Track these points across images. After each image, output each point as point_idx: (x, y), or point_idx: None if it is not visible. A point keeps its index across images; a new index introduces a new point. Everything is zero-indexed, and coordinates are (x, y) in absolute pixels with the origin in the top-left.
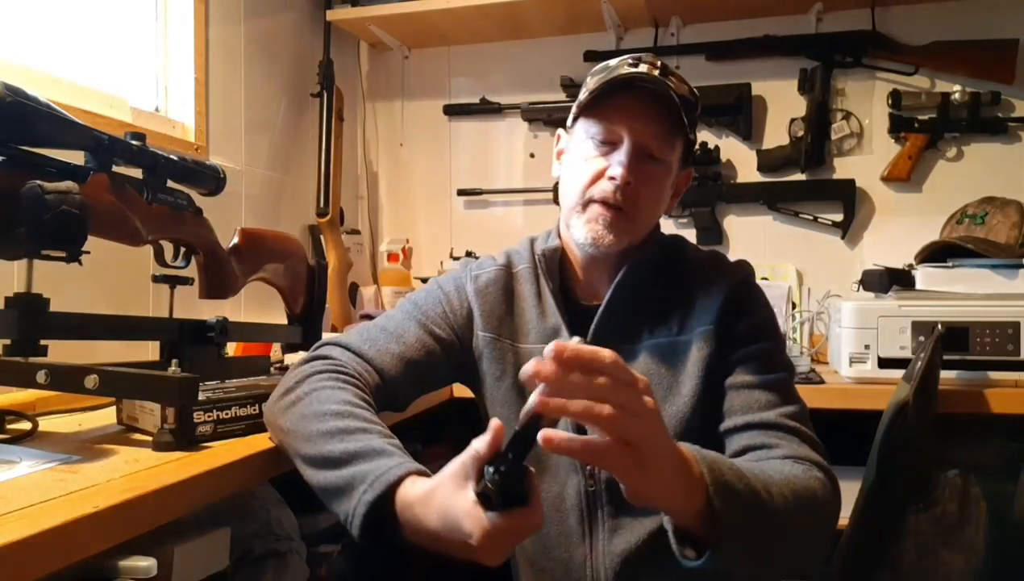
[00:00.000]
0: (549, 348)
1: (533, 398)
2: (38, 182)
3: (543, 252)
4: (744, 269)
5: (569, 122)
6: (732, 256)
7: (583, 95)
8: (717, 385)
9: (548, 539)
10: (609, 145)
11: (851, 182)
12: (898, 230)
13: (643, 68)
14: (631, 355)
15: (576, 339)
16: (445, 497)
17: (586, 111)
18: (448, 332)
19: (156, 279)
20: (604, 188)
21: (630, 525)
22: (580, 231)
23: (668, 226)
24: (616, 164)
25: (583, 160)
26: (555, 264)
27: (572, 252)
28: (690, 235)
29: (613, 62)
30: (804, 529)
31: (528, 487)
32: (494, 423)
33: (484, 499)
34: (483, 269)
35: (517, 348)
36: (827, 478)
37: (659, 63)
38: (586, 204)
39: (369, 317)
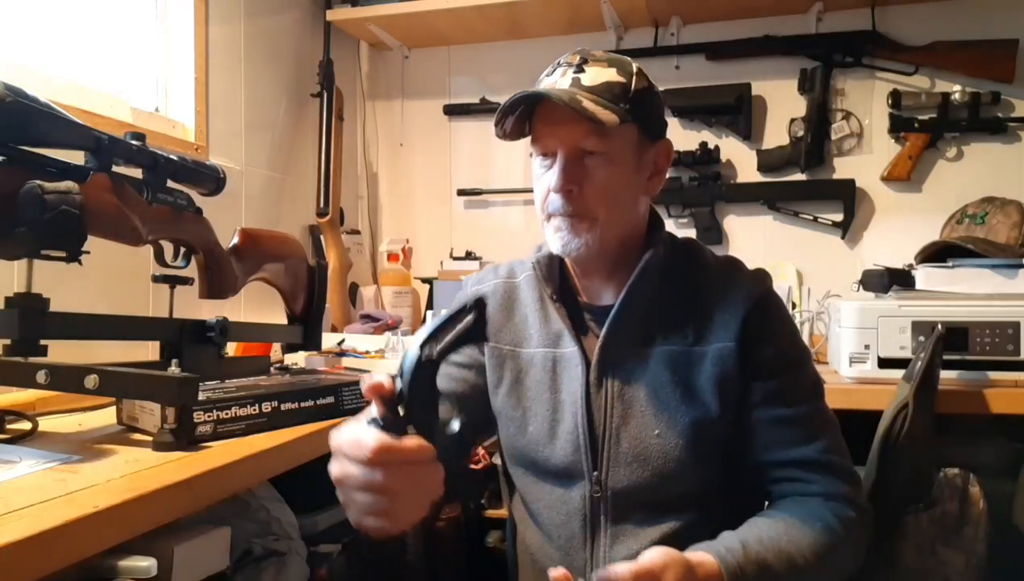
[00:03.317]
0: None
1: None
2: (38, 182)
3: (538, 259)
4: (764, 282)
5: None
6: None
7: (494, 126)
8: (738, 403)
9: (551, 541)
10: (551, 157)
11: (851, 182)
12: (898, 230)
13: (557, 73)
14: (643, 360)
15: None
16: None
17: (531, 134)
18: (468, 356)
19: (156, 279)
20: (553, 201)
21: (632, 533)
22: (552, 243)
23: (668, 226)
24: (553, 177)
25: (536, 180)
26: (550, 270)
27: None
28: (690, 235)
29: (542, 75)
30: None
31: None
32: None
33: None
34: (483, 282)
35: (518, 353)
36: (858, 514)
37: (577, 59)
38: (548, 219)
39: (369, 317)
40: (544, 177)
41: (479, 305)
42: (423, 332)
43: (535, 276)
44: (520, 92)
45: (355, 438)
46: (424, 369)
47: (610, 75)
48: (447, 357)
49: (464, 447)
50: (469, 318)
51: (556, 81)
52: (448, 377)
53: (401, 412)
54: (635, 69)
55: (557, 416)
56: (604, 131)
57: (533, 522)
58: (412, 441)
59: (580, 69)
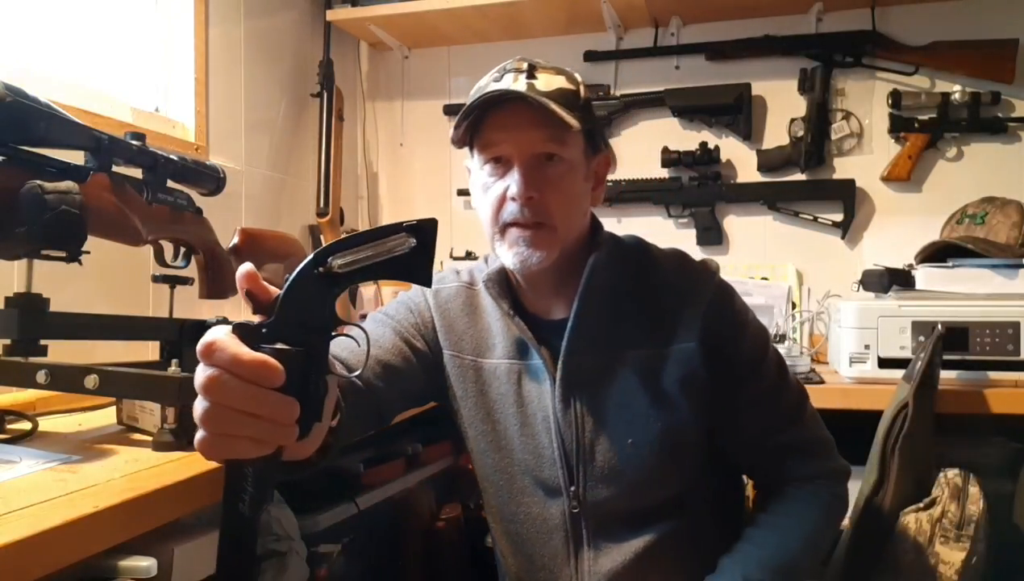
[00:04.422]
0: None
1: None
2: (38, 182)
3: (489, 276)
4: (713, 275)
5: (468, 153)
6: (732, 256)
7: (452, 130)
8: (708, 402)
9: (533, 559)
10: (503, 165)
11: (851, 182)
12: (898, 230)
13: (508, 79)
14: (608, 368)
15: None
16: None
17: (474, 140)
18: (422, 343)
19: (156, 279)
20: (512, 210)
21: (615, 545)
22: (507, 257)
23: (668, 226)
24: (513, 183)
25: (484, 189)
26: (501, 286)
27: (513, 272)
28: (690, 235)
29: (483, 81)
30: (818, 556)
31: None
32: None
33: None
34: (444, 283)
35: (479, 363)
36: (839, 485)
37: (525, 65)
38: (502, 231)
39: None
40: (496, 186)
41: (424, 228)
42: (333, 242)
43: (488, 294)
44: (485, 92)
45: (209, 330)
46: (316, 282)
47: (561, 82)
48: (357, 279)
49: (376, 417)
50: (409, 242)
51: (508, 86)
52: (395, 347)
53: (269, 321)
54: (580, 79)
55: (527, 431)
56: (562, 137)
57: (514, 540)
58: (251, 354)
59: (531, 75)
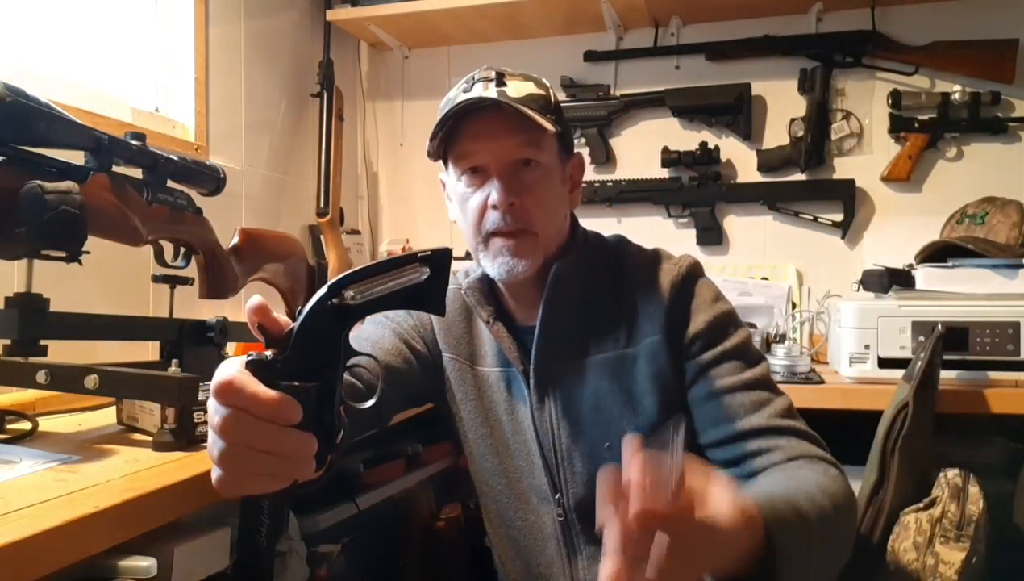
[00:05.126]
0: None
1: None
2: (38, 182)
3: (470, 285)
4: (680, 267)
5: (442, 166)
6: (732, 256)
7: (428, 143)
8: (678, 397)
9: (530, 567)
10: (481, 175)
11: (851, 182)
12: (898, 230)
13: (477, 88)
14: (579, 373)
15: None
16: None
17: (449, 151)
18: (421, 345)
19: (156, 279)
20: (494, 219)
21: None
22: (492, 268)
23: (668, 226)
24: (493, 191)
25: (463, 200)
26: (482, 294)
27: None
28: (690, 235)
29: (451, 93)
30: (843, 531)
31: (312, 397)
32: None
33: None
34: None
35: (476, 371)
36: (839, 471)
37: (493, 73)
38: (486, 240)
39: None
40: (475, 196)
41: (438, 257)
42: (346, 273)
43: (468, 302)
44: (457, 103)
45: (222, 365)
46: (330, 315)
47: (531, 88)
48: (370, 310)
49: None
50: (423, 272)
51: (479, 95)
52: (395, 348)
53: (283, 356)
54: (548, 83)
55: (519, 438)
56: (538, 141)
57: (513, 546)
58: (269, 393)
59: (501, 83)
